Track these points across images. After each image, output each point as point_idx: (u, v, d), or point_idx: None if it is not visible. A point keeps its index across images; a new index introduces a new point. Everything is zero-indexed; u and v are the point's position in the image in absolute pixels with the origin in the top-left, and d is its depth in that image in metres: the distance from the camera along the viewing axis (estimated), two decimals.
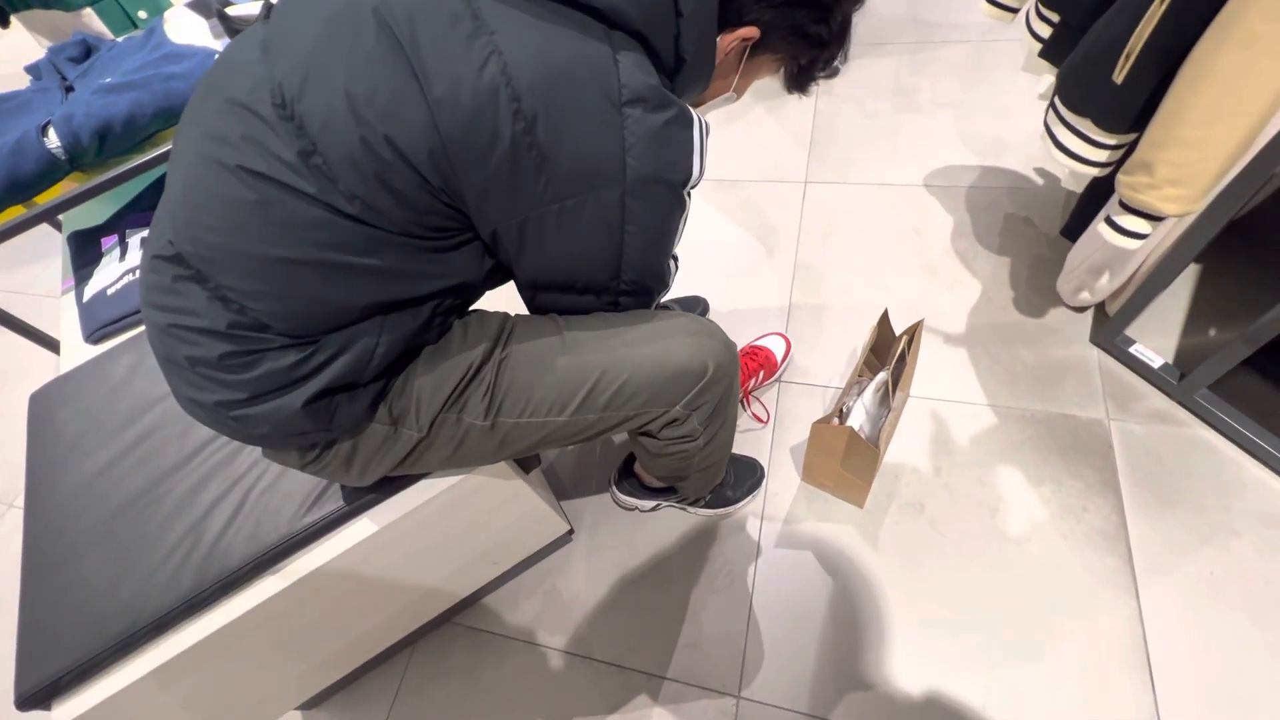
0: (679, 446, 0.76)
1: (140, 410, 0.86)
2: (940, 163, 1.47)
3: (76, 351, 1.01)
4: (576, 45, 0.49)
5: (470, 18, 0.48)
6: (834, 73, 1.69)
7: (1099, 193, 1.12)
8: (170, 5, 1.23)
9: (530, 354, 0.66)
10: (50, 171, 0.96)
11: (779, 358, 1.20)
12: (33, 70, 1.09)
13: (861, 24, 1.79)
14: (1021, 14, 1.09)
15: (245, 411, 0.57)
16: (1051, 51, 1.02)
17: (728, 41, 0.60)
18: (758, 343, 1.21)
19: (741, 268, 1.39)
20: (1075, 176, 1.35)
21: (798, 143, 1.59)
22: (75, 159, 0.96)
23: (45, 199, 0.98)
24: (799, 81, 0.69)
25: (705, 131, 0.57)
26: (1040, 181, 1.39)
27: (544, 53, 0.48)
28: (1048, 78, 1.09)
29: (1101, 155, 0.90)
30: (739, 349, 1.15)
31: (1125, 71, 0.80)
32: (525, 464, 0.92)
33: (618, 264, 0.60)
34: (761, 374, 1.17)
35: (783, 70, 0.67)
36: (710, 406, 0.72)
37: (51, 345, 1.12)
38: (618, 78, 0.50)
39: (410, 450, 0.66)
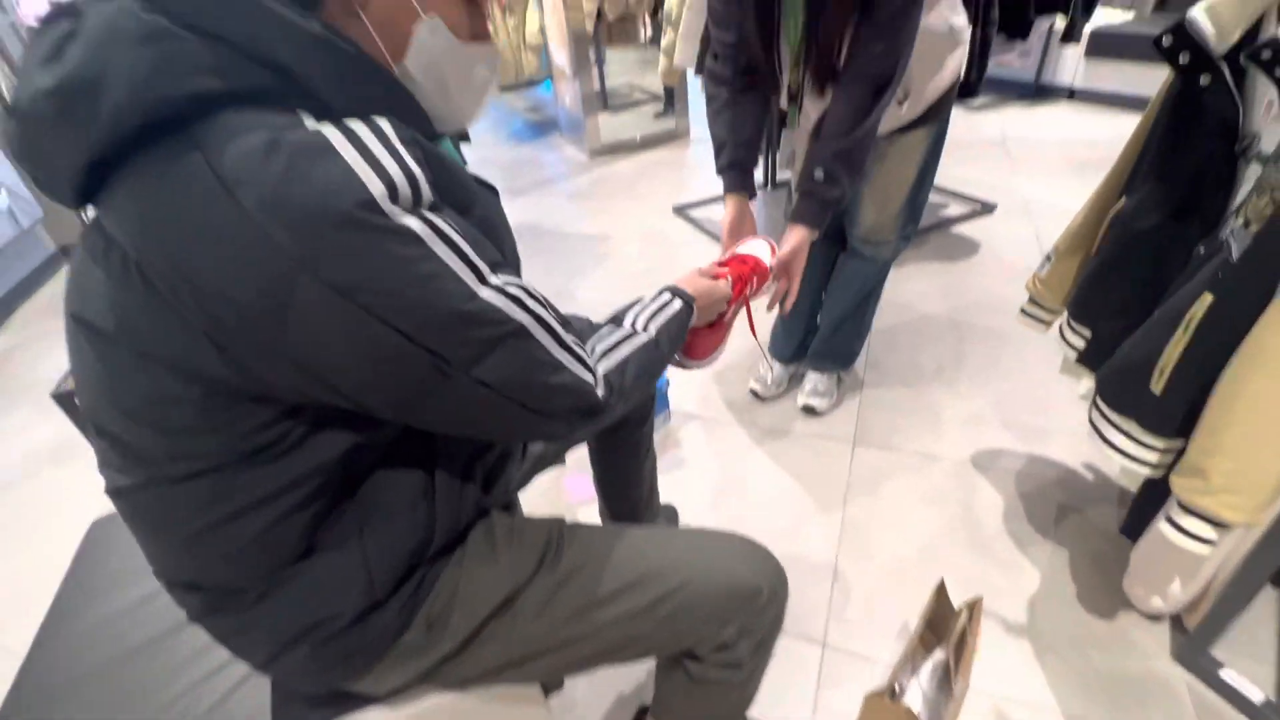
0: (722, 675, 0.70)
1: None
2: (984, 444, 1.53)
3: None
4: (161, 192, 0.42)
5: (101, 238, 0.46)
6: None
7: (1157, 491, 1.13)
8: None
9: (588, 559, 0.65)
10: None
11: (767, 261, 1.03)
12: None
13: (899, 317, 2.03)
14: (1054, 326, 1.24)
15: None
16: (1089, 359, 1.13)
17: None
18: (740, 251, 1.05)
19: (787, 517, 1.39)
20: (1119, 477, 1.37)
21: (845, 404, 1.70)
22: None
23: None
24: None
25: (377, 133, 0.43)
26: (1089, 476, 1.41)
27: (148, 223, 0.42)
28: (1086, 381, 1.19)
29: (1152, 456, 0.94)
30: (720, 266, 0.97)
31: (1163, 385, 0.88)
32: (545, 687, 0.85)
33: (409, 341, 0.44)
34: (755, 280, 1.00)
35: None
36: (759, 635, 0.68)
37: None
38: (210, 171, 0.40)
39: (440, 660, 0.61)
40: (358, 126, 0.43)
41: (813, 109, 1.16)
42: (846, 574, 1.25)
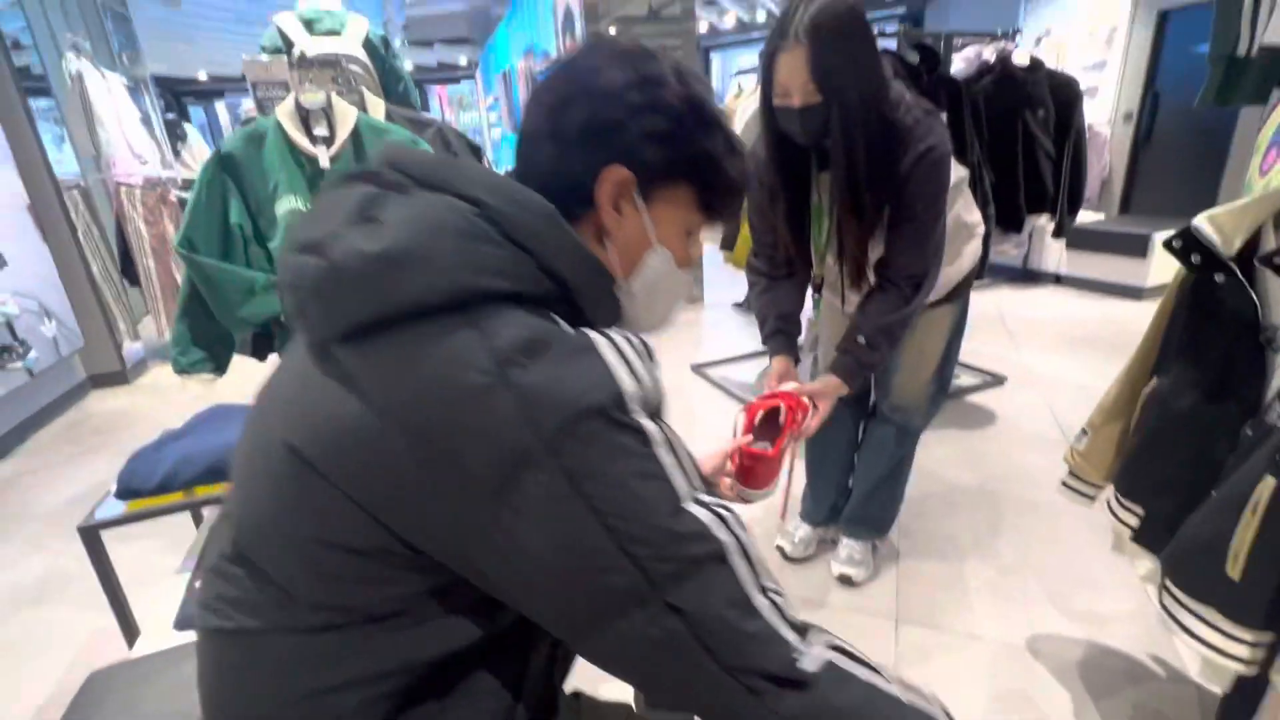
0: None
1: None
2: (1039, 628, 1.43)
3: (157, 636, 0.97)
4: (434, 355, 0.45)
5: (340, 376, 0.47)
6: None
7: (1251, 690, 1.03)
8: None
9: None
10: None
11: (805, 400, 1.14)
12: None
13: (926, 484, 2.01)
14: (1101, 499, 1.22)
15: None
16: (1145, 538, 1.10)
17: (605, 201, 0.54)
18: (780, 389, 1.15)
19: None
20: (1203, 672, 1.26)
21: (881, 575, 1.62)
22: None
23: (204, 492, 1.10)
24: (718, 201, 0.60)
25: (631, 344, 0.48)
26: (1160, 671, 1.30)
27: (410, 380, 0.45)
28: (1145, 562, 1.14)
29: (1242, 650, 0.87)
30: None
31: (1240, 570, 0.85)
32: None
33: (618, 547, 0.44)
34: (800, 413, 1.11)
35: (695, 198, 0.58)
36: None
37: (128, 625, 1.08)
38: (487, 347, 0.44)
39: None
40: (615, 335, 0.49)
41: (853, 296, 1.29)
42: None
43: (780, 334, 1.30)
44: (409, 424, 0.43)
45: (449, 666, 0.51)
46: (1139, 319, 3.43)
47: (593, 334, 0.48)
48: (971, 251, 1.41)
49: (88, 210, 3.35)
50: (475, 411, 0.43)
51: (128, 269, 3.43)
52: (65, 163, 3.26)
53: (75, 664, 1.44)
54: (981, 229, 1.41)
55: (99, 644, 1.50)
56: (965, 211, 1.36)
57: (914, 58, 1.98)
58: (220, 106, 9.69)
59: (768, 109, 1.14)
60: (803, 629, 0.50)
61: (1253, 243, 0.94)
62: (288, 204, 1.41)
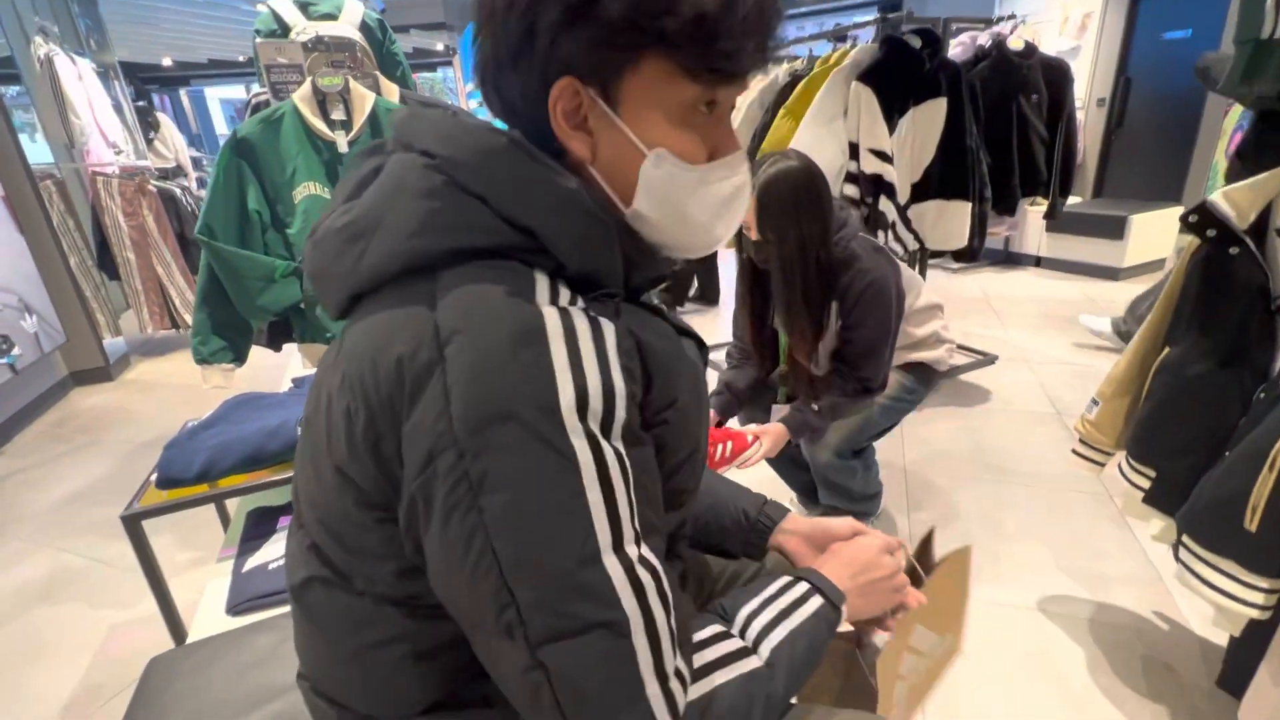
0: None
1: (267, 697, 0.78)
2: (1048, 590, 1.49)
3: (212, 620, 0.97)
4: (385, 326, 0.43)
5: (336, 351, 0.48)
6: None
7: (1257, 637, 1.11)
8: None
9: None
10: (286, 454, 1.11)
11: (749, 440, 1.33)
12: (298, 382, 1.36)
13: (930, 459, 2.07)
14: (1112, 464, 1.29)
15: None
16: (1156, 499, 1.16)
17: (563, 124, 0.45)
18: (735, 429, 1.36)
19: None
20: (1217, 621, 1.34)
21: None
22: None
23: (229, 483, 1.09)
24: (699, 50, 0.43)
25: (604, 336, 0.42)
26: (1164, 626, 1.38)
27: (361, 347, 0.44)
28: (1157, 521, 1.21)
29: (1258, 597, 0.94)
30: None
31: (1258, 522, 0.91)
32: None
33: (499, 576, 0.39)
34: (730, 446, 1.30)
35: (671, 66, 0.44)
36: None
37: (171, 614, 1.08)
38: (430, 322, 0.41)
39: None
40: (580, 323, 0.42)
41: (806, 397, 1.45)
42: None
43: (720, 395, 1.49)
44: (363, 395, 0.42)
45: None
46: (1118, 298, 3.56)
47: (552, 316, 0.41)
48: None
49: (62, 201, 3.23)
50: (411, 390, 0.40)
51: (105, 261, 3.32)
52: (37, 151, 3.14)
53: (98, 660, 1.42)
54: (945, 346, 1.58)
55: (120, 639, 1.48)
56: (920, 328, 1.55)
57: (916, 42, 2.03)
58: (183, 95, 9.36)
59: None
60: (680, 696, 0.43)
61: (1264, 216, 1.00)
62: (306, 190, 1.39)
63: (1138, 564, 1.56)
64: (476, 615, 0.42)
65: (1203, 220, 1.02)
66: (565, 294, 0.44)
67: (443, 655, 0.50)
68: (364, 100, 1.41)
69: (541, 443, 0.38)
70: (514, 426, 0.38)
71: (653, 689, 0.40)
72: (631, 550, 0.41)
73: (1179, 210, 2.71)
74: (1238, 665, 1.16)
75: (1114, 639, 1.35)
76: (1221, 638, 1.28)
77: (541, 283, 0.44)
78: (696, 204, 0.49)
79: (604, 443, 0.41)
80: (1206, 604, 0.98)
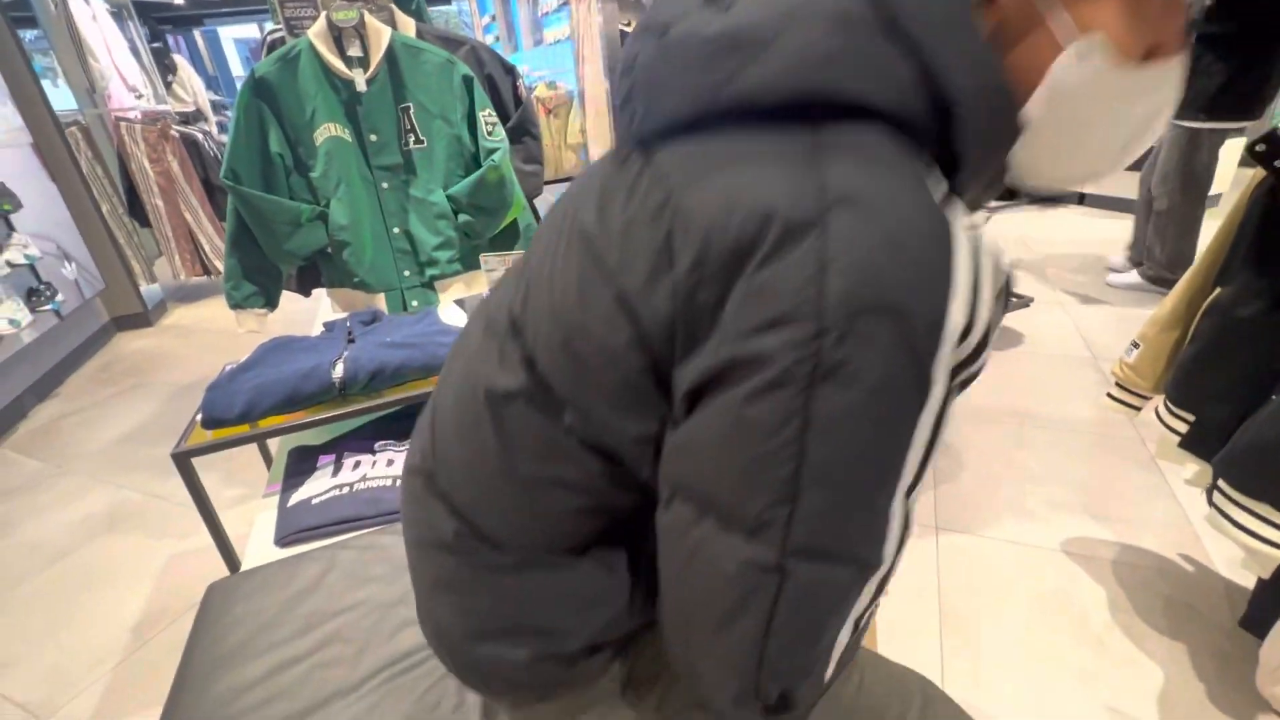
0: None
1: (317, 622, 0.84)
2: (1072, 532, 1.50)
3: (262, 551, 1.03)
4: (752, 166, 0.37)
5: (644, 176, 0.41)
6: None
7: (1277, 582, 1.11)
8: (439, 303, 1.59)
9: None
10: (321, 395, 1.14)
11: None
12: (329, 326, 1.38)
13: (960, 402, 2.05)
14: (1149, 408, 1.26)
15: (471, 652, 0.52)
16: (1193, 444, 1.14)
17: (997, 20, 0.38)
18: None
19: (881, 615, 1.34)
20: (1245, 564, 1.34)
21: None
22: (345, 389, 1.15)
23: (269, 424, 1.12)
24: None
25: (998, 265, 0.36)
26: (1190, 568, 1.38)
27: (713, 202, 0.37)
28: (1192, 466, 1.19)
29: None
30: None
31: None
32: None
33: (792, 473, 0.35)
34: None
35: None
36: None
37: (224, 545, 1.14)
38: (818, 176, 0.35)
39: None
40: (985, 257, 0.35)
41: None
42: (952, 669, 1.19)
43: None
44: (701, 232, 0.36)
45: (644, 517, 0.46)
46: None
47: (959, 229, 0.34)
48: None
49: (89, 148, 3.25)
50: (773, 244, 0.34)
51: (135, 209, 3.36)
52: (61, 98, 3.14)
53: (161, 586, 1.53)
54: None
55: (178, 567, 1.58)
56: None
57: None
58: (198, 36, 9.19)
59: None
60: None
61: None
62: (327, 131, 1.38)
63: (1167, 507, 1.55)
64: (727, 499, 0.37)
65: (1271, 150, 0.95)
66: (960, 207, 0.36)
67: (610, 517, 0.48)
68: (380, 35, 1.37)
69: (912, 356, 0.33)
70: (893, 327, 0.33)
71: (844, 634, 0.40)
72: (912, 500, 0.38)
73: (1243, 141, 2.54)
74: (1263, 606, 1.16)
75: (1136, 579, 1.36)
76: (1247, 580, 1.28)
77: (940, 181, 0.37)
78: (1106, 121, 0.40)
79: (951, 384, 0.36)
80: (1235, 547, 0.98)
